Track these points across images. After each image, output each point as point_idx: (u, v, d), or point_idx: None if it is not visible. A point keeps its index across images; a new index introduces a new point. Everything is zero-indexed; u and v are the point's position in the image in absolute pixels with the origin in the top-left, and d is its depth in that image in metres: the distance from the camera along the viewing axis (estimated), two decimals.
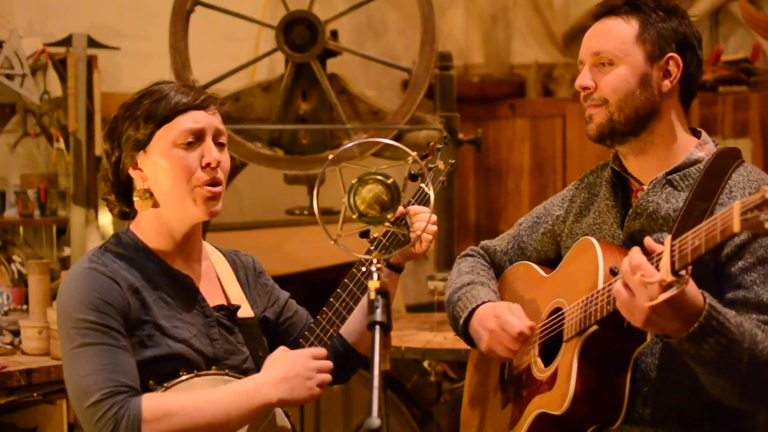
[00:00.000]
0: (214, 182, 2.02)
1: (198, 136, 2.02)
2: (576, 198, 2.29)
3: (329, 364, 2.01)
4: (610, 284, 1.93)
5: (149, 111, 2.01)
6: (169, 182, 2.01)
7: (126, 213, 2.10)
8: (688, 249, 1.73)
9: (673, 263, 1.75)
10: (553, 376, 2.05)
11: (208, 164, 2.01)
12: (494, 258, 2.43)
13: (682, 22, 2.11)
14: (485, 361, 2.33)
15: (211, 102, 2.06)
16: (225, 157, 2.06)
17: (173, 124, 2.00)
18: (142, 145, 2.01)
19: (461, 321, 2.26)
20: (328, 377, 2.00)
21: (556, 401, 2.00)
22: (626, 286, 1.81)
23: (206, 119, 2.03)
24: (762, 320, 1.93)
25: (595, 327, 1.97)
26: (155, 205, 2.04)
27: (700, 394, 1.97)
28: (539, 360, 2.13)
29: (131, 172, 2.04)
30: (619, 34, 2.09)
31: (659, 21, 2.09)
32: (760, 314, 1.94)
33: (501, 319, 2.15)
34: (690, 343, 1.82)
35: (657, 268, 1.78)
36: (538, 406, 2.07)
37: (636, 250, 1.82)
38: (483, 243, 2.48)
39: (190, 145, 2.01)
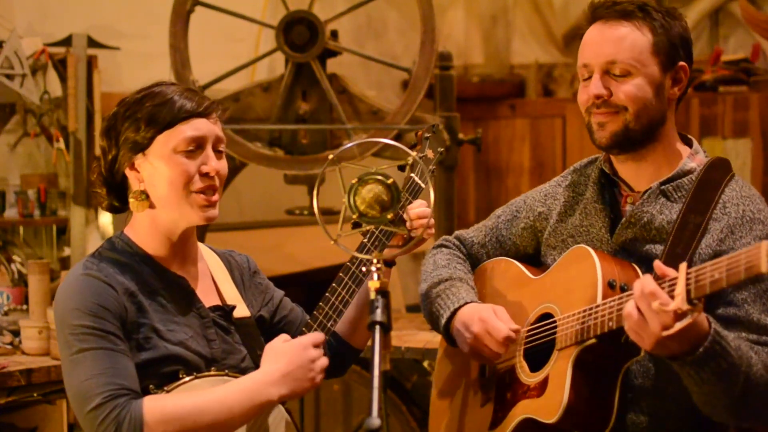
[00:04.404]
0: (210, 189, 2.03)
1: (199, 145, 2.02)
2: (560, 196, 2.26)
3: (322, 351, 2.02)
4: (613, 300, 1.93)
5: (151, 114, 2.00)
6: (166, 186, 2.01)
7: (116, 207, 2.10)
8: (707, 281, 1.73)
9: (688, 292, 1.74)
10: (543, 383, 2.04)
11: (206, 173, 2.02)
12: (471, 250, 2.39)
13: (683, 26, 2.08)
14: (461, 354, 2.29)
15: (213, 109, 2.06)
16: (223, 164, 2.06)
17: (175, 131, 2.00)
18: (141, 148, 2.01)
19: (443, 320, 2.23)
20: (326, 361, 2.01)
21: (548, 409, 1.99)
22: (638, 310, 1.80)
23: (207, 127, 2.03)
24: (751, 339, 1.93)
25: (593, 340, 1.96)
26: (151, 206, 2.04)
27: (690, 402, 1.95)
28: (525, 364, 2.12)
29: (127, 172, 2.04)
30: (634, 43, 2.04)
31: (669, 29, 2.05)
32: (749, 333, 1.94)
33: (487, 324, 2.13)
34: (692, 367, 1.82)
35: (670, 294, 1.77)
36: (525, 411, 2.05)
37: (648, 277, 1.82)
38: (458, 233, 2.43)
39: (190, 153, 2.01)
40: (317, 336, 2.02)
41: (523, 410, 2.06)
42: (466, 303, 2.21)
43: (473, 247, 2.39)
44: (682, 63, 2.07)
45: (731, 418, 1.92)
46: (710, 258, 1.94)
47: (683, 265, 1.76)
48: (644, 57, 2.03)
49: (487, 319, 2.13)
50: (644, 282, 1.80)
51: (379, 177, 1.77)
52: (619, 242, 2.09)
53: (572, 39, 5.47)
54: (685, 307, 1.74)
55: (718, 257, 1.79)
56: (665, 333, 1.76)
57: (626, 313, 1.83)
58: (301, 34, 3.74)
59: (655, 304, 1.77)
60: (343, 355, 2.28)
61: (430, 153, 2.24)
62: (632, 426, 2.03)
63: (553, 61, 5.33)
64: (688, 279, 1.75)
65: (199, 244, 2.19)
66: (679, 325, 1.75)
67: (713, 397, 1.88)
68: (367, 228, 1.91)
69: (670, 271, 1.80)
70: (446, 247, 2.41)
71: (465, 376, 2.31)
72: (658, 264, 1.84)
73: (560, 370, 2.00)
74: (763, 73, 4.79)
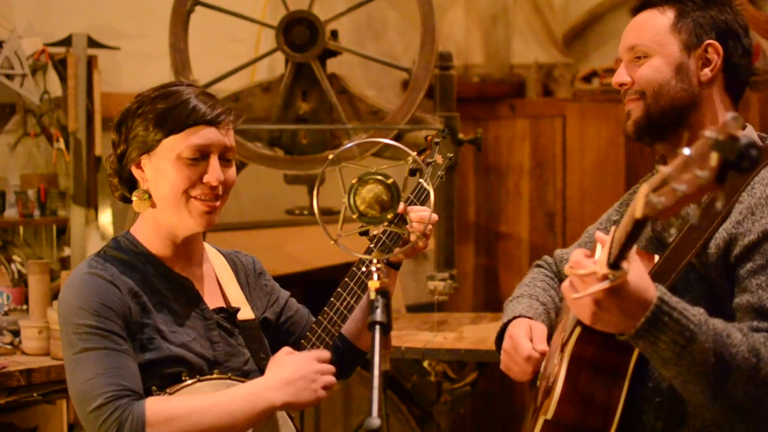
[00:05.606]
0: (212, 197, 2.01)
1: (204, 154, 2.00)
2: (630, 201, 2.20)
3: (332, 367, 2.01)
4: None
5: (162, 116, 1.99)
6: (167, 190, 2.00)
7: (126, 198, 2.10)
8: (616, 240, 1.63)
9: (609, 255, 1.65)
10: (554, 383, 2.01)
11: (208, 182, 2.00)
12: (560, 266, 2.38)
13: (723, 9, 2.03)
14: None
15: (224, 118, 2.03)
16: (229, 174, 2.04)
17: (182, 137, 1.99)
18: (148, 148, 2.01)
19: (496, 336, 2.24)
20: (332, 379, 2.00)
21: (548, 407, 1.96)
22: (571, 283, 1.73)
23: (216, 137, 2.01)
24: (762, 327, 1.78)
25: (579, 329, 1.90)
26: (153, 206, 2.04)
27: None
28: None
29: (133, 170, 2.04)
30: (653, 25, 2.02)
31: (697, 9, 2.01)
32: (761, 321, 1.80)
33: (514, 341, 2.11)
34: (643, 341, 1.71)
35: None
36: (543, 412, 2.03)
37: (579, 249, 1.77)
38: (556, 251, 2.44)
39: (194, 161, 2.00)
40: (323, 353, 2.02)
41: (543, 412, 2.03)
42: (516, 317, 2.19)
43: (561, 263, 2.38)
44: (710, 41, 2.00)
45: (720, 409, 1.78)
46: (725, 243, 1.87)
47: (613, 229, 1.66)
48: (662, 36, 2.00)
49: (515, 336, 2.12)
50: (574, 252, 1.75)
51: (379, 177, 1.76)
52: (653, 233, 2.05)
53: (572, 39, 5.47)
54: (603, 270, 1.64)
55: (734, 242, 1.72)
56: (577, 296, 1.67)
57: (562, 288, 1.76)
58: (301, 34, 3.75)
59: (565, 267, 1.72)
60: (349, 358, 2.28)
61: (438, 158, 2.25)
62: (663, 431, 1.93)
63: (553, 61, 5.32)
64: (611, 241, 1.65)
65: (205, 245, 2.18)
66: (593, 288, 1.65)
67: (684, 381, 1.75)
68: (373, 233, 1.91)
69: (606, 238, 1.70)
70: (539, 266, 2.43)
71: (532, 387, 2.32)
72: (597, 233, 1.79)
73: (561, 366, 1.97)
74: (763, 73, 4.79)
